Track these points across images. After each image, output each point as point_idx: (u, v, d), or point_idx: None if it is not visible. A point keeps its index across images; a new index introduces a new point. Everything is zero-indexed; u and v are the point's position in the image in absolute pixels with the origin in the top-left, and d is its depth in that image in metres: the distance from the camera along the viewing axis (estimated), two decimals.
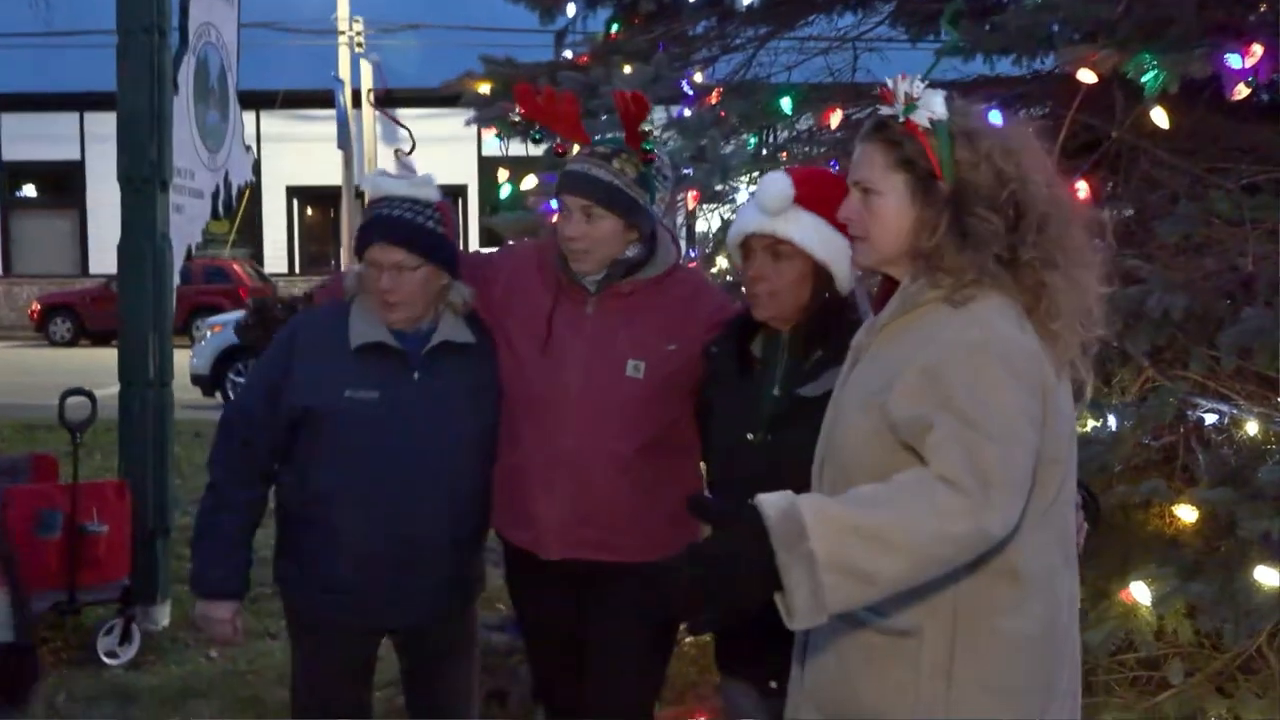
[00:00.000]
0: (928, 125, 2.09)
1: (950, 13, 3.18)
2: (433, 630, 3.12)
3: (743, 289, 2.75)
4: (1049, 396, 2.00)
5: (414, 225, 2.93)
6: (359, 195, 24.87)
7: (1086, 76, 3.39)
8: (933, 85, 2.12)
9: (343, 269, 23.35)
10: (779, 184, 2.64)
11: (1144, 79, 3.26)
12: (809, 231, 2.61)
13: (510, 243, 4.26)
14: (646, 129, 2.91)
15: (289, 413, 2.96)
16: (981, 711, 2.01)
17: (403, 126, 3.60)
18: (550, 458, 2.87)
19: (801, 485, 2.34)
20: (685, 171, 4.21)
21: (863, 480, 1.98)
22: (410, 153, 3.25)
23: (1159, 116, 3.41)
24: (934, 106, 2.10)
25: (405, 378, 2.95)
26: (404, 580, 2.97)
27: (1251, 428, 3.29)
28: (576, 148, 3.00)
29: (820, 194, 2.57)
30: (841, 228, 2.29)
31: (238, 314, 16.87)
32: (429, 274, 2.94)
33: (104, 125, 21.22)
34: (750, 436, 2.66)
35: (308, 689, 3.18)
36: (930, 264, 2.08)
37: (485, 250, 3.14)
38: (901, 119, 2.11)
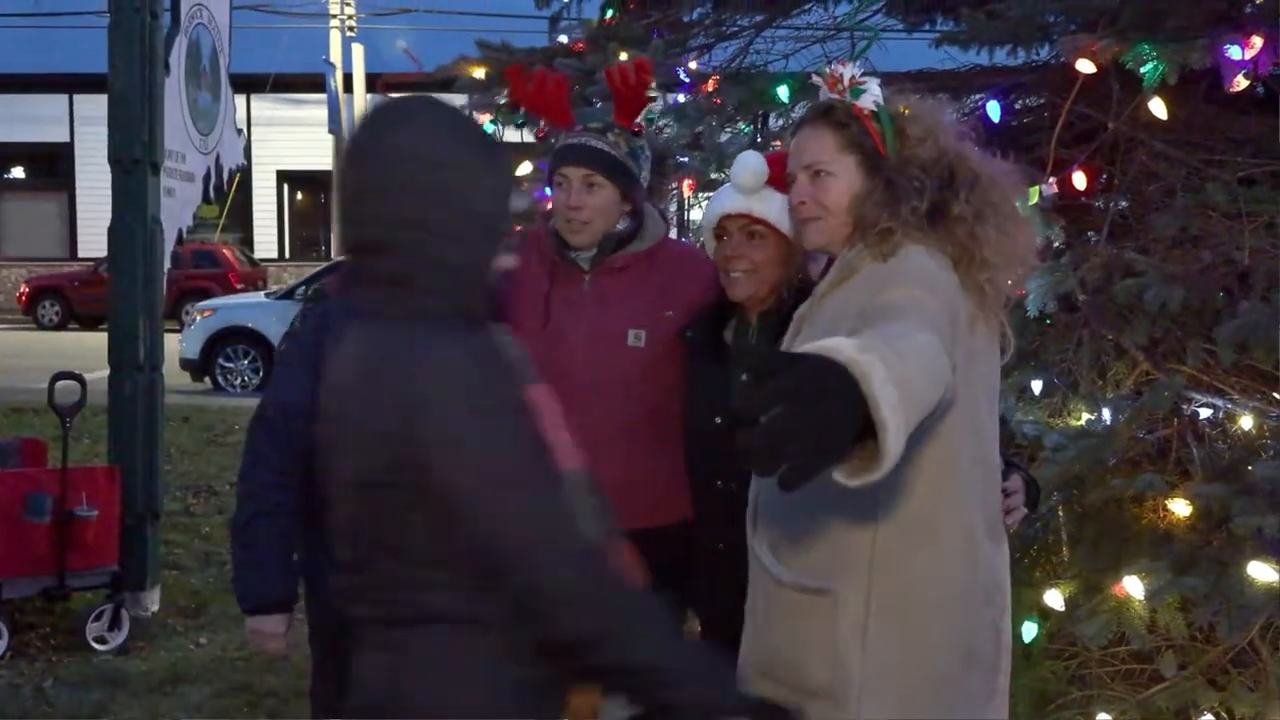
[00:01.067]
0: (873, 108, 2.26)
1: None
2: None
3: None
4: (959, 329, 2.06)
5: None
6: None
7: (1085, 67, 3.37)
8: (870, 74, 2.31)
9: (334, 254, 23.31)
10: (754, 163, 2.70)
11: (1142, 70, 3.24)
12: (784, 211, 2.65)
13: None
14: (653, 95, 2.99)
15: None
16: (897, 667, 2.08)
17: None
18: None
19: None
20: (681, 159, 4.20)
21: None
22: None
23: (1157, 107, 3.40)
24: (874, 90, 2.27)
25: None
26: None
27: (1246, 422, 3.29)
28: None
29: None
30: None
31: (228, 298, 16.90)
32: None
33: (93, 107, 21.12)
34: (719, 420, 2.71)
35: (327, 671, 3.10)
36: (864, 226, 2.22)
37: None
38: (849, 102, 2.27)
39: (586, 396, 2.88)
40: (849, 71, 2.28)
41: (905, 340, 1.71)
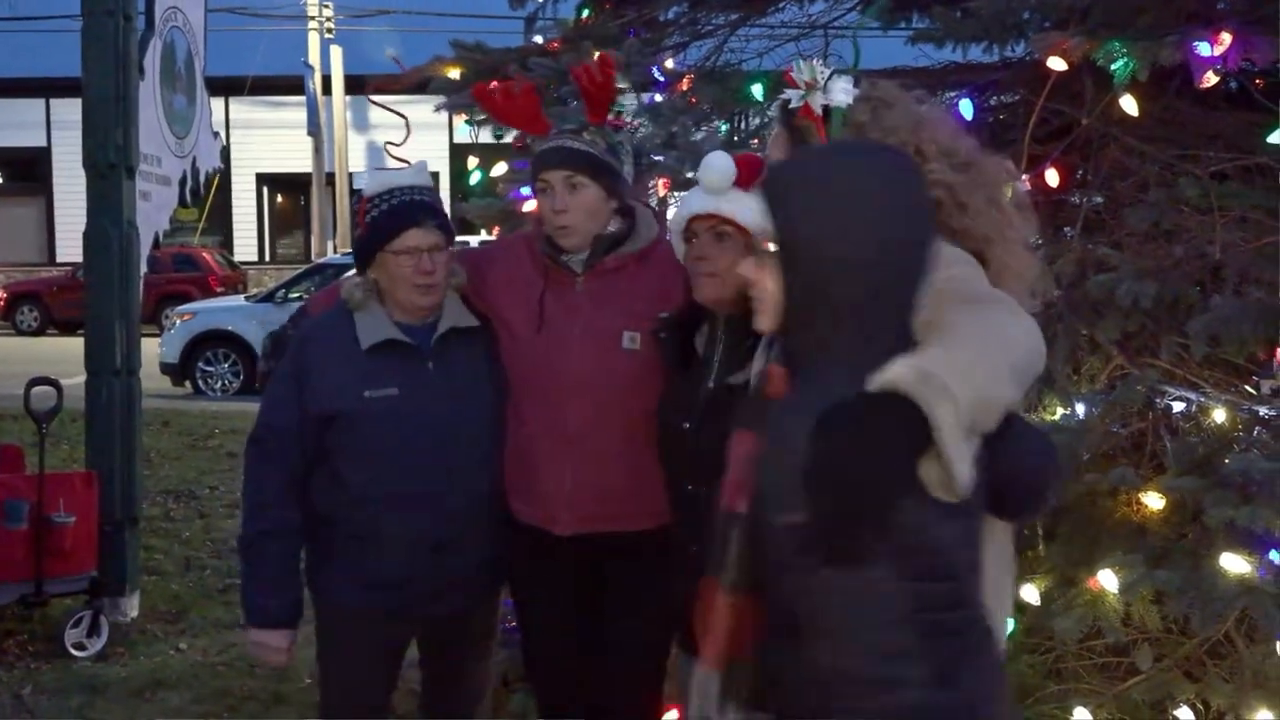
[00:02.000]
0: (820, 111, 2.25)
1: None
2: (464, 618, 3.12)
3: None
4: None
5: (437, 209, 3.00)
6: (329, 182, 24.78)
7: (1057, 64, 3.39)
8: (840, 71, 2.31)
9: (314, 256, 23.26)
10: (722, 164, 2.69)
11: (1114, 67, 3.26)
12: (752, 213, 2.65)
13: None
14: (622, 86, 3.01)
15: (314, 422, 2.97)
16: None
17: (399, 114, 3.59)
18: (555, 435, 2.93)
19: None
20: (656, 158, 4.20)
21: None
22: (402, 144, 3.27)
23: (1128, 104, 3.42)
24: (835, 93, 2.25)
25: (420, 369, 2.98)
26: (444, 567, 2.98)
27: (1219, 415, 3.31)
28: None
29: (758, 177, 2.62)
30: None
31: (207, 302, 16.83)
32: (451, 256, 3.01)
33: (70, 111, 20.99)
34: (686, 425, 2.72)
35: (339, 685, 3.15)
36: None
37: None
38: (796, 104, 2.27)
39: (583, 399, 2.90)
40: (808, 72, 2.28)
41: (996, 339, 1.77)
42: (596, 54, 4.30)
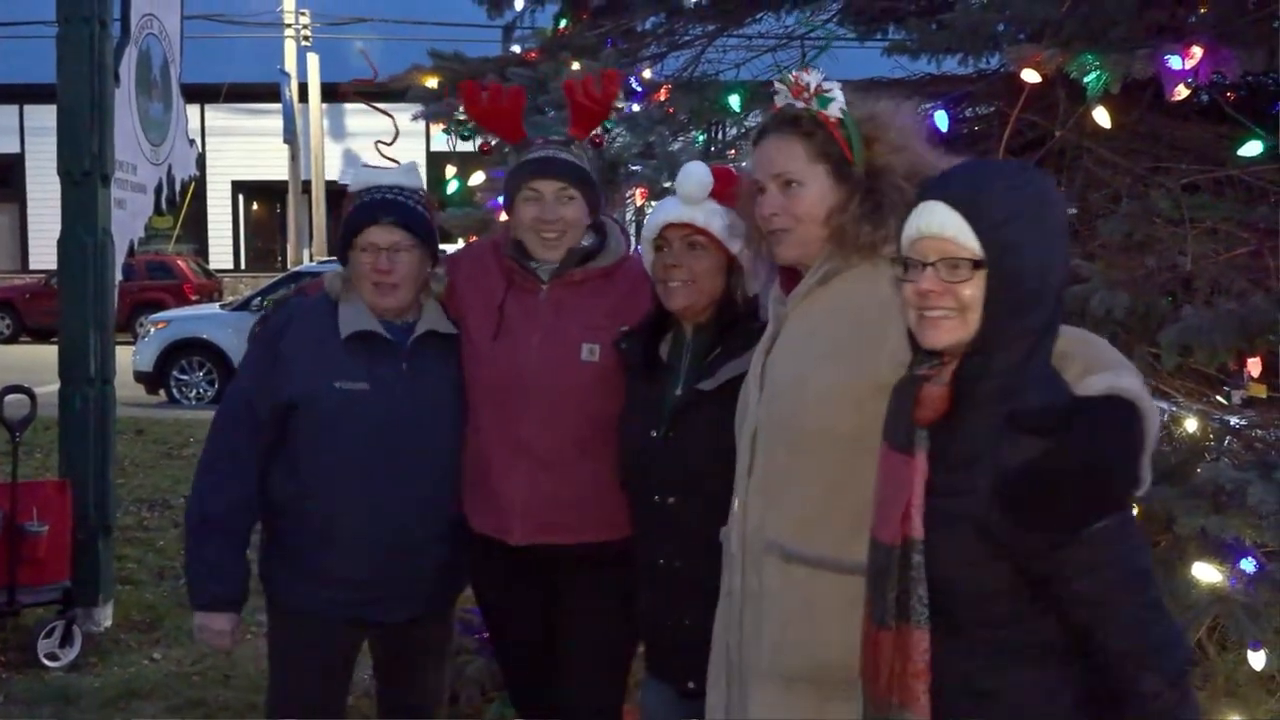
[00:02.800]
0: (839, 116, 2.28)
1: None
2: (419, 626, 3.11)
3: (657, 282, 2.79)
4: None
5: (408, 207, 3.00)
6: (305, 190, 24.71)
7: (1031, 76, 3.42)
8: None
9: (290, 264, 23.18)
10: (699, 173, 2.72)
11: (1087, 79, 3.30)
12: (726, 225, 2.68)
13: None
14: (620, 105, 3.05)
15: (279, 406, 2.97)
16: None
17: (385, 113, 3.61)
18: (510, 443, 2.92)
19: (705, 475, 2.54)
20: (634, 168, 4.22)
21: (836, 425, 2.18)
22: (392, 143, 3.28)
23: (1101, 116, 3.45)
24: (839, 98, 2.28)
25: (394, 368, 2.98)
26: (398, 570, 2.97)
27: (1191, 425, 3.34)
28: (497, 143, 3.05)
29: (733, 190, 2.65)
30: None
31: (182, 310, 16.73)
32: (421, 257, 3.00)
33: (44, 118, 20.86)
34: (654, 434, 2.72)
35: (286, 686, 3.13)
36: (844, 240, 2.26)
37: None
38: (815, 111, 2.28)
39: (539, 406, 2.90)
40: (814, 79, 2.30)
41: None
42: (575, 65, 4.32)
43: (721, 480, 2.43)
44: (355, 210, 3.01)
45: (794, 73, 2.34)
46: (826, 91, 2.29)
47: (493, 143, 3.18)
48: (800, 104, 2.31)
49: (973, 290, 1.84)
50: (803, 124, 2.30)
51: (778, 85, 2.36)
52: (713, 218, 2.69)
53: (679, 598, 2.65)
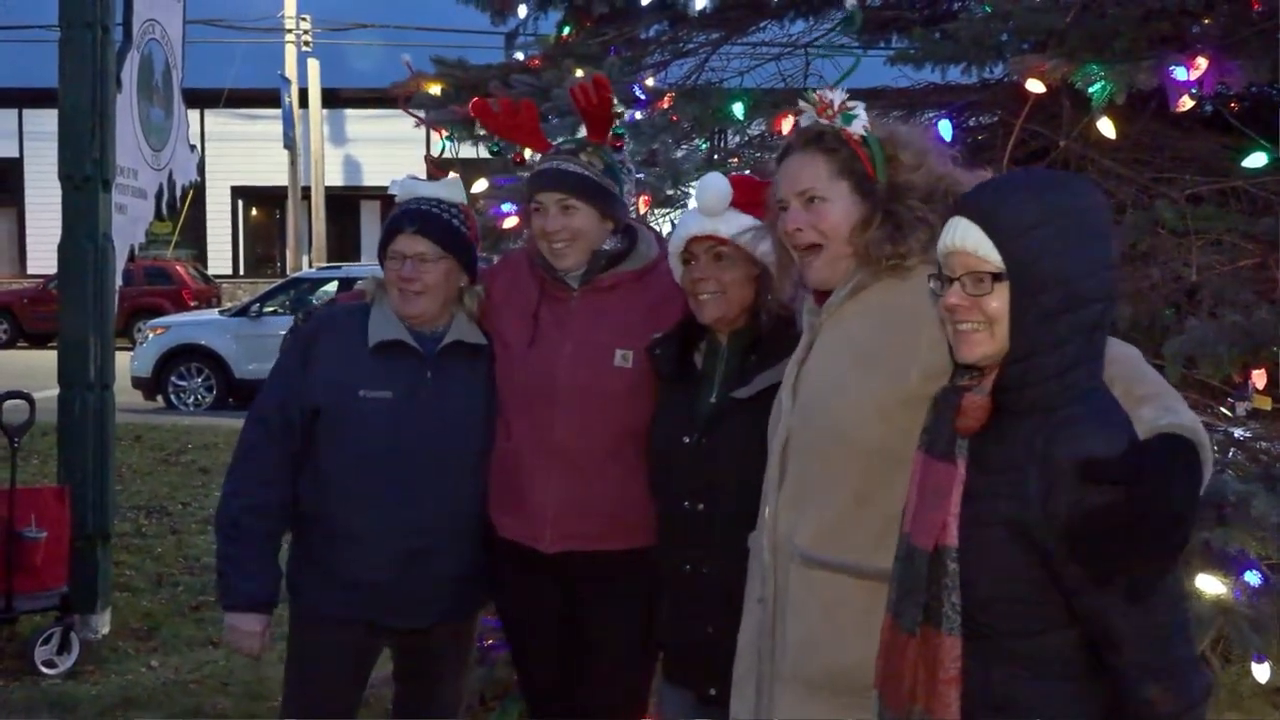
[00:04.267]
0: (862, 133, 2.31)
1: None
2: (438, 633, 3.13)
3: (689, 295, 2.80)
4: None
5: (438, 219, 3.05)
6: (305, 196, 24.74)
7: (1035, 86, 3.43)
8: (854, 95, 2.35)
9: (289, 271, 23.20)
10: (718, 185, 2.73)
11: (1091, 89, 3.31)
12: (751, 233, 2.69)
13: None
14: (619, 110, 3.07)
15: (306, 412, 3.01)
16: None
17: (423, 123, 3.64)
18: (543, 449, 2.94)
19: (736, 483, 2.55)
20: (637, 176, 4.23)
21: (865, 436, 2.19)
22: (442, 154, 3.35)
23: (1105, 126, 3.46)
24: (863, 116, 2.32)
25: (419, 378, 3.02)
26: (419, 578, 3.00)
27: None
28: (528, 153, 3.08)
29: (755, 198, 2.67)
30: None
31: (180, 316, 16.75)
32: (449, 269, 3.05)
33: (43, 122, 20.93)
34: (686, 440, 2.73)
35: (301, 689, 3.15)
36: (868, 259, 2.29)
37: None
38: (838, 129, 2.32)
39: (572, 412, 2.92)
40: (838, 97, 2.33)
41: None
42: (579, 72, 4.34)
43: (751, 487, 2.46)
44: (390, 219, 3.09)
45: (818, 91, 2.37)
46: (850, 109, 2.32)
47: (527, 154, 3.25)
48: (825, 121, 2.34)
49: (998, 303, 1.88)
50: (826, 141, 2.34)
51: (802, 104, 2.39)
52: (735, 227, 2.70)
53: (704, 604, 2.66)
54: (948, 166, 2.33)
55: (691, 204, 3.15)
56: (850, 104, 2.32)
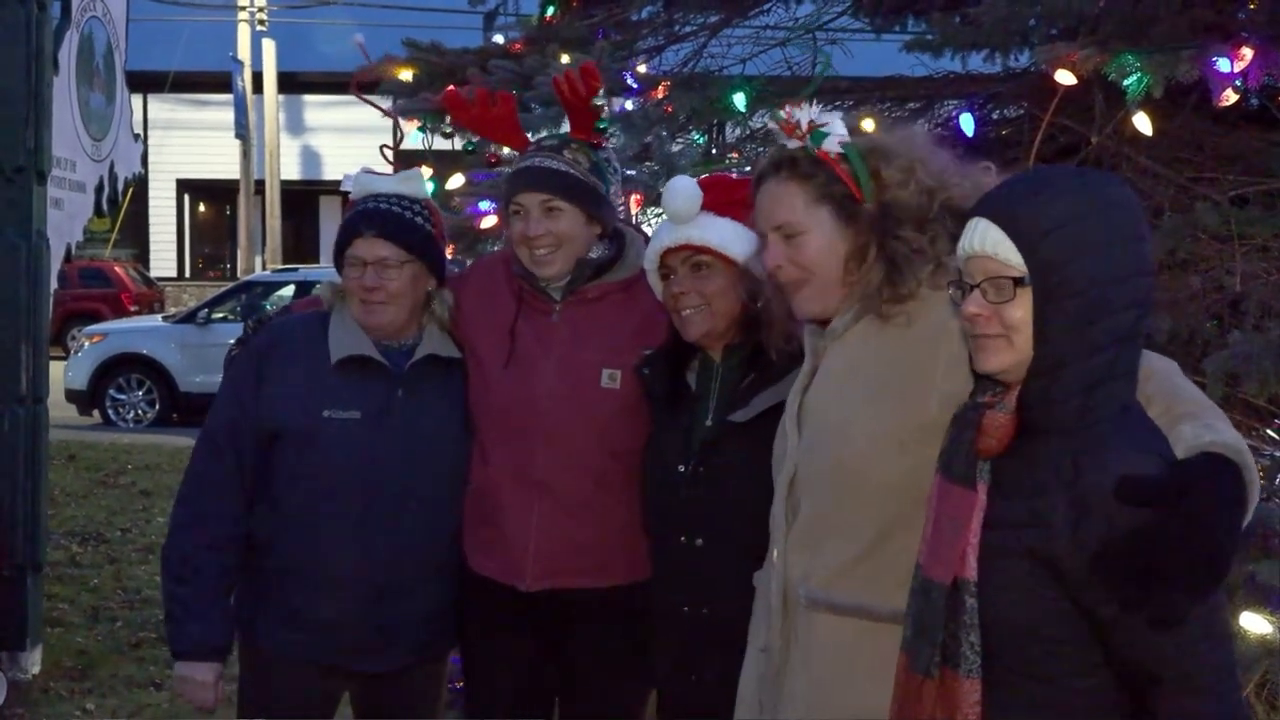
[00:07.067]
0: (839, 150, 2.27)
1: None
2: (406, 677, 3.11)
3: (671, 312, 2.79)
4: None
5: (401, 219, 3.00)
6: (258, 190, 24.73)
7: (1065, 78, 3.45)
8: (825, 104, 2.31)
9: (240, 273, 23.18)
10: (685, 188, 2.71)
11: (1126, 82, 3.33)
12: (727, 236, 2.68)
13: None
14: (599, 104, 3.02)
15: (263, 435, 2.98)
16: None
17: (387, 114, 3.62)
18: (523, 480, 2.92)
19: (737, 515, 2.54)
20: (628, 172, 4.24)
21: (883, 471, 2.18)
22: (398, 146, 3.32)
23: (1142, 122, 3.48)
24: (838, 130, 2.28)
25: (389, 395, 2.99)
26: (385, 614, 2.98)
27: None
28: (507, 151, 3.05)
29: (729, 197, 2.67)
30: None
31: (119, 322, 16.65)
32: (416, 274, 3.01)
33: None
34: (682, 469, 2.72)
35: None
36: (869, 303, 2.27)
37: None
38: (812, 151, 2.27)
39: (556, 440, 2.89)
40: (805, 115, 2.29)
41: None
42: (564, 57, 4.35)
43: (755, 521, 2.43)
44: (346, 221, 3.04)
45: (786, 109, 2.33)
46: (821, 126, 2.28)
47: (503, 151, 3.20)
48: (795, 143, 2.31)
49: (1021, 311, 1.87)
50: (800, 166, 2.31)
51: (771, 125, 2.38)
52: (710, 232, 2.68)
53: (703, 647, 2.66)
54: (942, 176, 2.29)
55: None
56: (821, 120, 2.28)
